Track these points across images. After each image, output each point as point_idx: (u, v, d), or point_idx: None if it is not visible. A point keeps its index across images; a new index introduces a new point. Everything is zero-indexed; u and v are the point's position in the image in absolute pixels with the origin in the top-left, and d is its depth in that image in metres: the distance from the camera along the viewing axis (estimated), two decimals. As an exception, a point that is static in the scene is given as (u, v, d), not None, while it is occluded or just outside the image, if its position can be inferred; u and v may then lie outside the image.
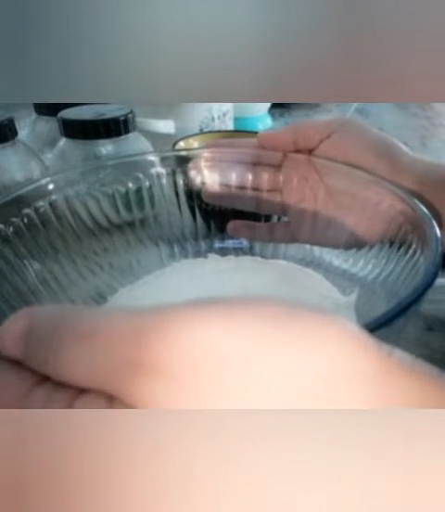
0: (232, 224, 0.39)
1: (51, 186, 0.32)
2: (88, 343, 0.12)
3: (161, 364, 0.11)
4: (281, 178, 0.38)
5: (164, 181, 0.38)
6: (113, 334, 0.12)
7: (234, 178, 0.39)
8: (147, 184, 0.37)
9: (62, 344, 0.12)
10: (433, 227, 0.25)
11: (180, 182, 0.38)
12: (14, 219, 0.29)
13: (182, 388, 0.11)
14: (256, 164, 0.38)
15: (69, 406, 0.12)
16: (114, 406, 0.12)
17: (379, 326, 0.18)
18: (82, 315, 0.13)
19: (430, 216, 0.26)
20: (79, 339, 0.12)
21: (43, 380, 0.13)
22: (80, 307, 0.13)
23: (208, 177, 0.39)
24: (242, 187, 0.39)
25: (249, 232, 0.40)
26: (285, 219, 0.39)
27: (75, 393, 0.12)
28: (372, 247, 0.32)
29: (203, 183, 0.39)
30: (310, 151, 0.36)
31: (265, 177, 0.38)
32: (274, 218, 0.40)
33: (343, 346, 0.12)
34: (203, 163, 0.39)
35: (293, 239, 0.38)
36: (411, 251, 0.27)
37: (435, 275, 0.21)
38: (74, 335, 0.12)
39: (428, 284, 0.21)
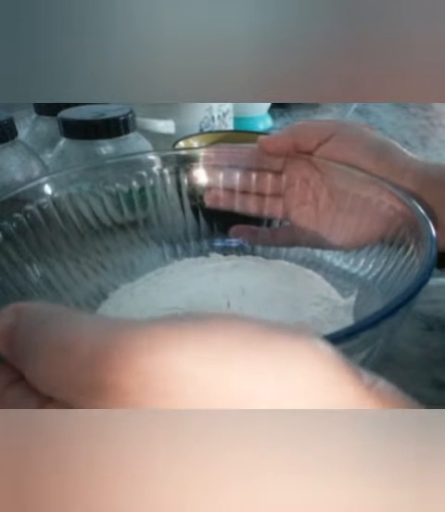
0: (234, 229, 0.39)
1: (53, 184, 0.32)
2: (62, 359, 0.12)
3: (132, 389, 0.11)
4: (283, 182, 0.38)
5: (167, 180, 0.38)
6: (87, 356, 0.11)
7: (236, 182, 0.39)
8: (151, 183, 0.37)
9: (40, 352, 0.12)
10: (429, 229, 0.25)
11: (183, 181, 0.38)
12: (17, 215, 0.29)
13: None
14: (257, 169, 0.38)
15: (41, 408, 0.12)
16: None
17: (371, 326, 0.18)
18: (64, 325, 0.12)
19: (427, 218, 0.26)
20: (54, 352, 0.12)
21: (17, 380, 0.13)
22: (65, 313, 0.13)
23: (210, 178, 0.39)
24: (244, 192, 0.39)
25: (252, 236, 0.40)
26: (286, 223, 0.39)
27: (47, 399, 0.12)
28: (372, 247, 0.32)
29: (205, 187, 0.39)
30: (309, 154, 0.37)
31: (267, 181, 0.38)
32: (276, 222, 0.40)
33: (318, 373, 0.11)
34: (205, 163, 0.39)
35: (295, 243, 0.38)
36: (409, 252, 0.27)
37: (428, 277, 0.21)
38: (52, 347, 0.12)
39: (421, 285, 0.21)
